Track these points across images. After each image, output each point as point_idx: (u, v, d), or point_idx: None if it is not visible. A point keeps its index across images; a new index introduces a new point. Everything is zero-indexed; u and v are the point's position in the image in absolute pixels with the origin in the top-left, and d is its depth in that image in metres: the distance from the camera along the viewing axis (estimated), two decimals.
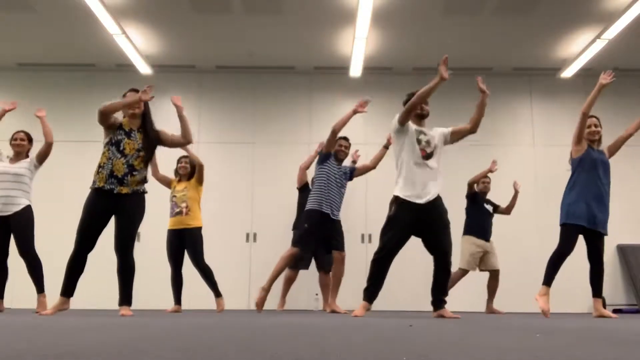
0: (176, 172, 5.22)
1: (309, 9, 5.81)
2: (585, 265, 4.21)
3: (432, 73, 8.18)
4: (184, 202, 5.01)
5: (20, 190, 4.48)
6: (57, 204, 6.36)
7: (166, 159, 5.33)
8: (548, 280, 4.09)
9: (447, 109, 7.33)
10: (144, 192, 3.80)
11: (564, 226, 4.13)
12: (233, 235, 6.83)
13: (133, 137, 3.74)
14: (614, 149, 4.37)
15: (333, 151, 4.95)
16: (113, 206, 3.67)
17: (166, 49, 6.71)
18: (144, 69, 7.02)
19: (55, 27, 6.19)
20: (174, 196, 5.08)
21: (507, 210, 5.96)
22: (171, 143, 3.96)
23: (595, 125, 4.26)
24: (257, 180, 6.84)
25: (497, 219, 5.95)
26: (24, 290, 5.28)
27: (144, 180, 3.80)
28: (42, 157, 4.58)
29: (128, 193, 3.66)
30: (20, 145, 4.59)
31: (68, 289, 3.70)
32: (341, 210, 4.99)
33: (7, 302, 6.06)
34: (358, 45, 6.25)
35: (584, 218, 4.05)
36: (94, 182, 3.70)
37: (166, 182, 5.22)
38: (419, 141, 3.79)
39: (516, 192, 5.91)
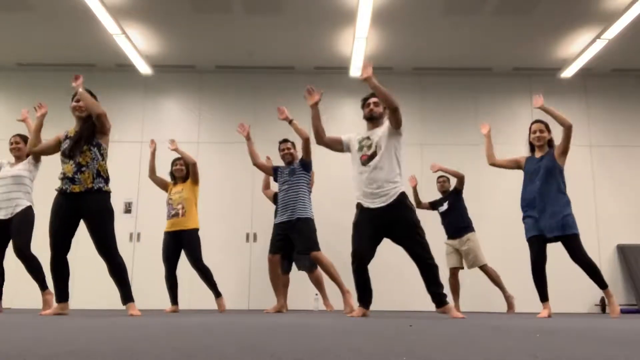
0: (172, 174, 5.18)
1: (309, 9, 5.82)
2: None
3: (432, 73, 8.19)
4: (180, 204, 4.99)
5: (21, 191, 4.46)
6: None
7: (161, 164, 5.33)
8: (542, 296, 4.21)
9: (447, 108, 7.34)
10: (102, 190, 3.66)
11: (527, 241, 4.27)
12: (233, 235, 6.83)
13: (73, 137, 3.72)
14: (561, 148, 4.21)
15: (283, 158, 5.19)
16: (75, 207, 3.62)
17: (166, 49, 6.71)
18: (144, 69, 7.02)
19: (55, 27, 6.19)
20: (170, 198, 5.06)
21: (457, 175, 5.69)
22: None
23: (541, 131, 4.24)
24: (257, 180, 6.81)
25: (497, 219, 5.93)
26: (26, 290, 5.29)
27: (99, 176, 3.66)
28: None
29: (81, 191, 3.60)
30: (17, 149, 4.58)
31: (61, 294, 3.69)
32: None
33: (8, 302, 6.07)
34: (358, 45, 6.25)
35: (532, 229, 4.19)
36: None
37: (163, 185, 5.21)
38: (360, 148, 3.75)
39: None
